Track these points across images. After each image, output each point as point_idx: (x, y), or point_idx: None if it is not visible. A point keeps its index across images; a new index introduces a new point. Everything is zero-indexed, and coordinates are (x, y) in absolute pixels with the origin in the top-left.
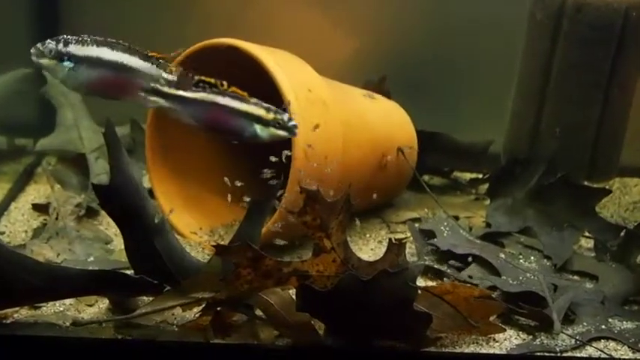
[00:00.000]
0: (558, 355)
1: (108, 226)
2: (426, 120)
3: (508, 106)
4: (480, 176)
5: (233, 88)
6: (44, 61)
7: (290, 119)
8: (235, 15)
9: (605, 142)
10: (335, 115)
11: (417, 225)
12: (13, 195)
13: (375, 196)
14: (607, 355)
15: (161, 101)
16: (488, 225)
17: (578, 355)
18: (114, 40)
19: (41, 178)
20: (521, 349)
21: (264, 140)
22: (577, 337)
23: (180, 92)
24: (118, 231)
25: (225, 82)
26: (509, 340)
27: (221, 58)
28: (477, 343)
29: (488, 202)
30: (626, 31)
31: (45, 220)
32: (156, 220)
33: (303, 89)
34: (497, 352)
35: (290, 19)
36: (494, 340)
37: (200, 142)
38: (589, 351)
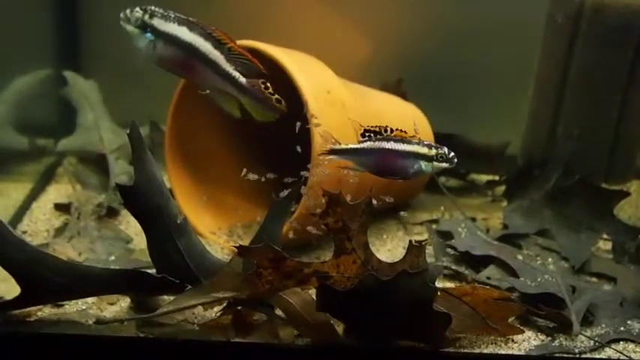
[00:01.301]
0: (577, 356)
1: (128, 226)
2: (442, 122)
3: (525, 108)
4: (497, 178)
5: (396, 132)
6: (129, 28)
7: (450, 152)
8: (254, 17)
9: (623, 144)
10: (353, 116)
11: (434, 226)
12: (34, 194)
13: (392, 197)
14: (626, 356)
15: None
16: (505, 226)
17: (597, 356)
18: (195, 21)
19: (62, 178)
20: (539, 350)
21: (425, 174)
22: (596, 339)
23: (351, 145)
24: (138, 230)
25: (388, 127)
26: (527, 341)
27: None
28: (496, 344)
29: (504, 204)
30: None
31: (66, 219)
32: (178, 220)
33: (322, 91)
34: (516, 353)
35: (308, 21)
36: (512, 341)
37: (219, 143)
38: (608, 353)
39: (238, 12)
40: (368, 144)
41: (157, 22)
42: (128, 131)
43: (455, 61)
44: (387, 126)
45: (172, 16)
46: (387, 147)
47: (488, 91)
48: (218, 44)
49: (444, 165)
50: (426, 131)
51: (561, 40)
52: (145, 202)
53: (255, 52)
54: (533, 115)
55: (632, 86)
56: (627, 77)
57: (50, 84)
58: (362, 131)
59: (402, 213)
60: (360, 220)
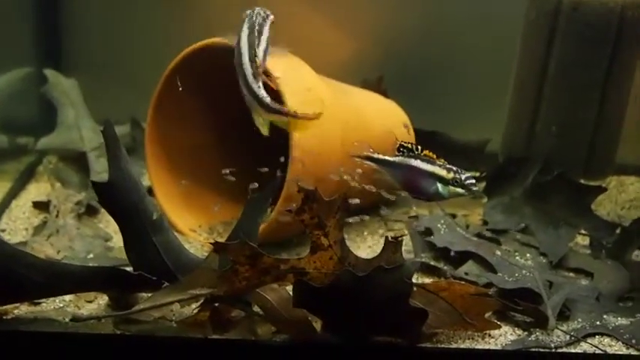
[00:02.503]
0: (553, 350)
1: (107, 224)
2: (423, 119)
3: (505, 105)
4: (478, 174)
5: (425, 152)
6: None
7: (468, 177)
8: (236, 15)
9: (602, 140)
10: (333, 114)
11: (414, 223)
12: (14, 193)
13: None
14: (601, 350)
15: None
16: (485, 223)
17: (573, 350)
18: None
19: (42, 176)
20: (516, 344)
21: (445, 197)
22: (572, 333)
23: (385, 157)
24: (118, 228)
25: (419, 147)
26: (504, 336)
27: (220, 57)
28: (473, 339)
29: (485, 200)
30: (623, 30)
31: (45, 217)
32: (154, 217)
33: (301, 88)
34: (493, 347)
35: (289, 19)
36: (489, 336)
37: (200, 140)
38: (584, 347)
39: (221, 10)
40: (399, 159)
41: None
42: (102, 129)
43: (435, 59)
44: (418, 145)
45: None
46: (413, 164)
47: (468, 89)
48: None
49: (460, 190)
50: (407, 129)
51: (540, 37)
52: (121, 199)
53: (233, 50)
54: (513, 112)
55: (610, 83)
56: (605, 74)
57: (31, 82)
58: (398, 145)
59: (382, 211)
60: (336, 216)
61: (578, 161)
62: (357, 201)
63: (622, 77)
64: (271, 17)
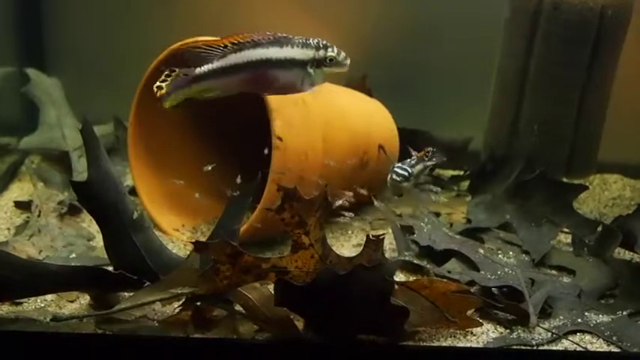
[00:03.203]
0: (534, 348)
1: (90, 224)
2: (407, 118)
3: (488, 104)
4: (462, 173)
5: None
6: None
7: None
8: (220, 14)
9: (583, 139)
10: (316, 113)
11: (397, 221)
12: None
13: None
14: (582, 348)
15: None
16: (468, 221)
17: (554, 348)
18: None
19: (25, 176)
20: (497, 342)
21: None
22: (553, 331)
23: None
24: None
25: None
26: (486, 333)
27: None
28: (455, 336)
29: (469, 198)
30: (602, 30)
31: (27, 217)
32: (134, 216)
33: None
34: (475, 345)
35: (273, 18)
36: (471, 333)
37: (183, 140)
38: (565, 344)
39: (205, 8)
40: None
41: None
42: (80, 127)
43: (419, 58)
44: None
45: None
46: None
47: (451, 88)
48: None
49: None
50: (390, 127)
51: (520, 36)
52: (100, 198)
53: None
54: (495, 111)
55: (590, 82)
56: (586, 73)
57: (12, 81)
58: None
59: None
60: (316, 215)
61: (561, 159)
62: (346, 202)
63: (602, 76)
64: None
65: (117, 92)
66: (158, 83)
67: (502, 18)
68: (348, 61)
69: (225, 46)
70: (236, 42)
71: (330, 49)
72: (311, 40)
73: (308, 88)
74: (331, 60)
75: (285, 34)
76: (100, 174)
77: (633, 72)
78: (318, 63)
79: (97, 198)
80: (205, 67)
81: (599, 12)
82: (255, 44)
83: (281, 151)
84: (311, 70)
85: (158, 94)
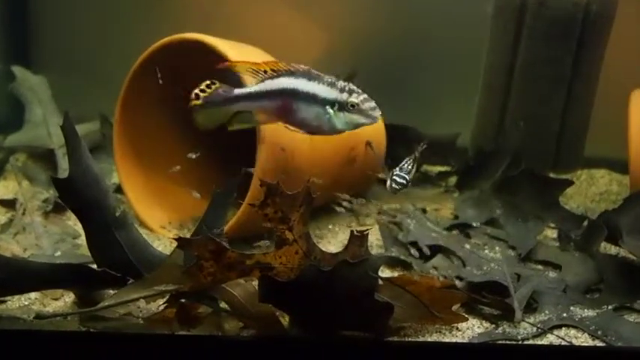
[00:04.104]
0: (519, 342)
1: (75, 222)
2: (394, 114)
3: (476, 101)
4: (449, 169)
5: None
6: None
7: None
8: (210, 11)
9: (569, 134)
10: None
11: (384, 217)
12: None
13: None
14: (567, 342)
15: None
16: (456, 217)
17: (539, 342)
18: None
19: (10, 174)
20: (483, 337)
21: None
22: (538, 325)
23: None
24: None
25: None
26: (471, 329)
27: (188, 53)
28: (440, 332)
29: (457, 194)
30: (587, 26)
31: (12, 215)
32: (117, 213)
33: None
34: (460, 340)
35: (262, 14)
36: (457, 329)
37: (169, 136)
38: (550, 338)
39: (193, 5)
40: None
41: None
42: (60, 123)
43: (407, 54)
44: None
45: None
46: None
47: (439, 84)
48: None
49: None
50: (377, 123)
51: (507, 33)
52: (81, 194)
53: (199, 44)
54: (482, 107)
55: (576, 78)
56: (571, 69)
57: None
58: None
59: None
60: (299, 211)
61: (547, 155)
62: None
63: (588, 71)
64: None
65: (104, 90)
66: (197, 91)
67: (488, 15)
68: (377, 114)
69: (265, 72)
70: (275, 69)
71: (354, 95)
72: (340, 82)
73: (327, 130)
74: (353, 106)
75: (318, 72)
76: (81, 170)
77: (620, 66)
78: (341, 106)
79: (79, 194)
80: (245, 90)
81: (584, 8)
82: (290, 73)
83: (267, 148)
84: (331, 111)
85: (192, 103)
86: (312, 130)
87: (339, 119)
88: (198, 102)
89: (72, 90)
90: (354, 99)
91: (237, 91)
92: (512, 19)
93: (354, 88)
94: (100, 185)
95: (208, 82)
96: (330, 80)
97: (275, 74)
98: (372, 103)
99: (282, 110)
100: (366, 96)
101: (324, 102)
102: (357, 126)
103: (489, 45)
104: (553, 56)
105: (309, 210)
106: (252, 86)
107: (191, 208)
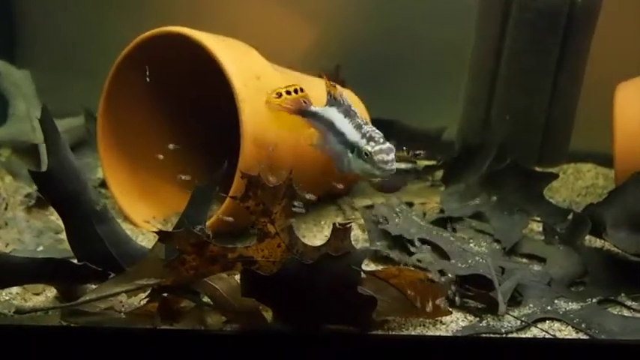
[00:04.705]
0: (503, 336)
1: (58, 216)
2: (380, 108)
3: (462, 95)
4: (435, 163)
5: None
6: None
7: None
8: (196, 6)
9: (555, 127)
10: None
11: (369, 211)
12: None
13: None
14: (551, 335)
15: None
16: (442, 210)
17: (523, 335)
18: None
19: None
20: (467, 330)
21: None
22: (522, 319)
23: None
24: None
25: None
26: (456, 322)
27: (172, 46)
28: (424, 325)
29: (443, 188)
30: (573, 18)
31: None
32: (98, 207)
33: (251, 77)
34: (444, 334)
35: (250, 9)
36: (441, 322)
37: (154, 132)
38: (534, 331)
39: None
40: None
41: None
42: (38, 116)
43: (393, 48)
44: None
45: None
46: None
47: (425, 78)
48: None
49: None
50: (363, 117)
51: (493, 25)
52: (60, 188)
53: (183, 38)
54: (469, 101)
55: (561, 70)
56: (557, 61)
57: None
58: None
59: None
60: (281, 203)
61: (533, 148)
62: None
63: (574, 64)
64: None
65: (88, 84)
66: (281, 91)
67: (475, 10)
68: (388, 167)
69: (330, 94)
70: (334, 95)
71: (371, 144)
72: (366, 127)
73: (344, 169)
74: (367, 154)
75: (355, 110)
76: (60, 164)
77: (605, 60)
78: (358, 151)
79: (58, 188)
80: (319, 109)
81: (570, 0)
82: (340, 105)
83: (250, 142)
84: (350, 154)
85: (270, 100)
86: (337, 165)
87: (357, 163)
88: (278, 101)
89: (56, 85)
90: (369, 147)
91: (313, 107)
92: (499, 12)
93: (376, 135)
94: (79, 179)
95: (297, 87)
96: (359, 122)
97: (334, 102)
98: (386, 156)
99: (322, 137)
100: (382, 147)
101: (347, 143)
102: (368, 174)
103: (476, 37)
104: (539, 48)
105: (291, 203)
106: (319, 108)
107: (176, 203)
